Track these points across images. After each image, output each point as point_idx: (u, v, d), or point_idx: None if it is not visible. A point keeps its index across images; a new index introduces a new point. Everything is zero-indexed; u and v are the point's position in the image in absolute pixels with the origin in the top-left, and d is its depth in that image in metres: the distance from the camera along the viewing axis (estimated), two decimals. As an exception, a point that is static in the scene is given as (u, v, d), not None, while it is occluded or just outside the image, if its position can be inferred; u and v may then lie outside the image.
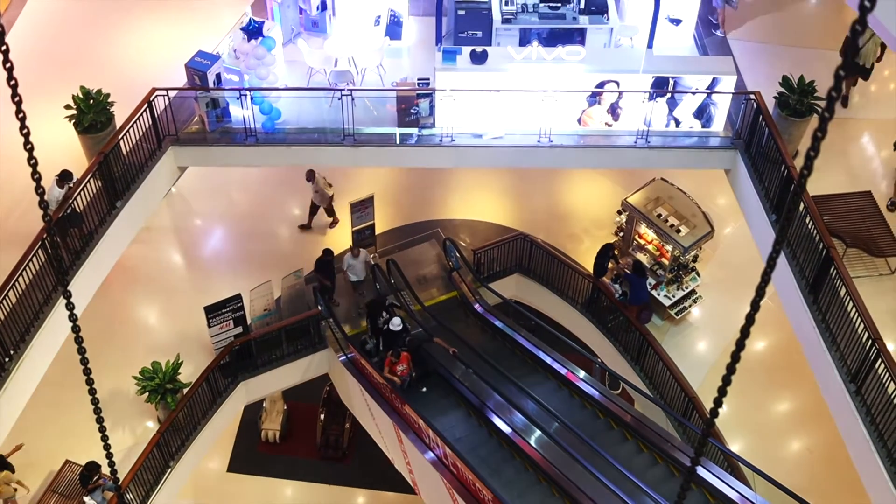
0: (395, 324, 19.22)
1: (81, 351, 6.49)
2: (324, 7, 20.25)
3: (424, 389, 19.59)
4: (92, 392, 6.65)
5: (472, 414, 19.01)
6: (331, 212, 23.11)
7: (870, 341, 13.79)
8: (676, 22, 20.16)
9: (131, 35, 21.46)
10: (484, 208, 24.22)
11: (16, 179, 17.05)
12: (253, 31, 18.65)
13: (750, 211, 17.90)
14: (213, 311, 19.55)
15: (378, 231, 22.60)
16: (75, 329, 6.38)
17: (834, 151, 18.78)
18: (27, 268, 14.86)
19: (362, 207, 21.69)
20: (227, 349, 19.50)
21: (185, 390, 18.66)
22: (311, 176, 22.03)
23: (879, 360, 13.66)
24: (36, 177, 5.68)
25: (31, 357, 15.06)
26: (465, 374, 19.48)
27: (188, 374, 19.05)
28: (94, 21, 21.78)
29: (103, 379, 19.23)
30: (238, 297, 19.89)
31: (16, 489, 17.93)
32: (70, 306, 6.30)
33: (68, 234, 15.96)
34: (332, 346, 20.59)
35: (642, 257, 21.31)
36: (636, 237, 21.35)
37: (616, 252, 21.23)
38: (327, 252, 20.95)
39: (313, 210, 22.98)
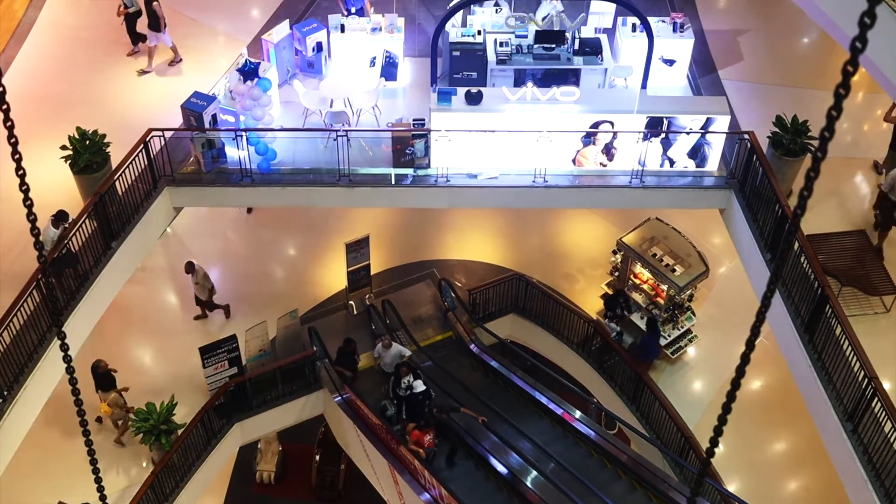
0: (419, 386, 18.60)
1: (76, 392, 6.47)
2: (319, 48, 20.38)
3: (454, 464, 18.60)
4: (86, 433, 6.63)
5: (469, 456, 18.89)
6: (211, 305, 21.84)
7: (866, 380, 13.76)
8: (670, 62, 20.33)
9: (128, 76, 21.55)
10: (479, 248, 24.24)
11: (12, 220, 17.05)
12: (249, 72, 18.74)
13: (745, 250, 17.93)
14: (208, 352, 19.50)
15: (373, 271, 22.58)
16: (69, 370, 6.37)
17: (828, 190, 18.84)
18: (22, 308, 14.82)
19: (357, 248, 21.68)
20: (221, 390, 19.41)
21: (180, 431, 18.55)
22: (189, 268, 20.97)
23: (876, 399, 13.63)
24: (31, 217, 5.69)
25: (25, 398, 14.97)
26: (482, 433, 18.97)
27: (183, 414, 18.94)
28: (91, 61, 21.88)
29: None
30: (233, 338, 19.84)
31: (128, 411, 18.98)
32: (64, 347, 6.29)
33: (63, 274, 15.93)
34: (328, 386, 20.50)
35: (637, 297, 21.31)
36: (631, 277, 21.36)
37: (625, 300, 21.22)
38: (349, 342, 20.21)
39: (198, 301, 21.76)
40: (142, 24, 21.59)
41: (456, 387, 19.99)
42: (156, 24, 21.08)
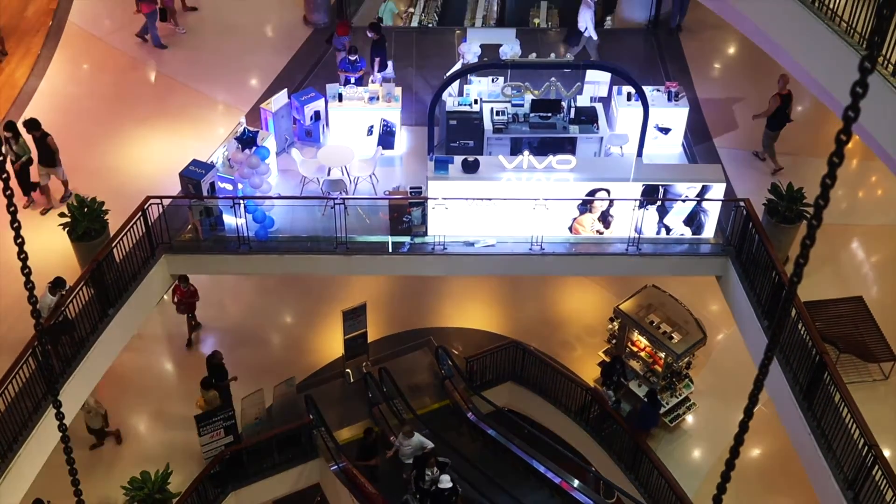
0: (445, 481, 18.29)
1: (70, 461, 6.43)
2: (317, 117, 20.54)
3: None
4: (80, 503, 6.57)
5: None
6: (101, 434, 20.33)
7: (866, 448, 13.68)
8: (665, 131, 20.50)
9: (128, 143, 21.70)
10: (476, 316, 24.22)
11: (9, 286, 17.04)
12: (247, 140, 18.87)
13: (742, 317, 17.92)
14: (203, 420, 19.38)
15: (370, 339, 22.53)
16: (64, 439, 6.33)
17: (824, 257, 18.90)
18: (17, 375, 14.76)
19: (354, 316, 21.67)
20: (217, 458, 19.27)
21: (175, 500, 18.37)
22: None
23: (876, 467, 13.54)
24: (29, 285, 5.70)
25: (19, 466, 14.84)
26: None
27: (178, 483, 18.77)
28: (90, 129, 22.03)
29: (91, 488, 19.01)
30: (229, 406, 19.74)
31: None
32: (59, 416, 6.26)
33: (60, 341, 15.89)
34: (324, 455, 20.35)
35: (635, 364, 21.26)
36: (629, 344, 21.33)
37: (622, 366, 21.17)
38: (369, 432, 20.07)
39: (90, 429, 20.21)
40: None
41: (454, 456, 19.84)
42: (51, 159, 19.64)
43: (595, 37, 23.29)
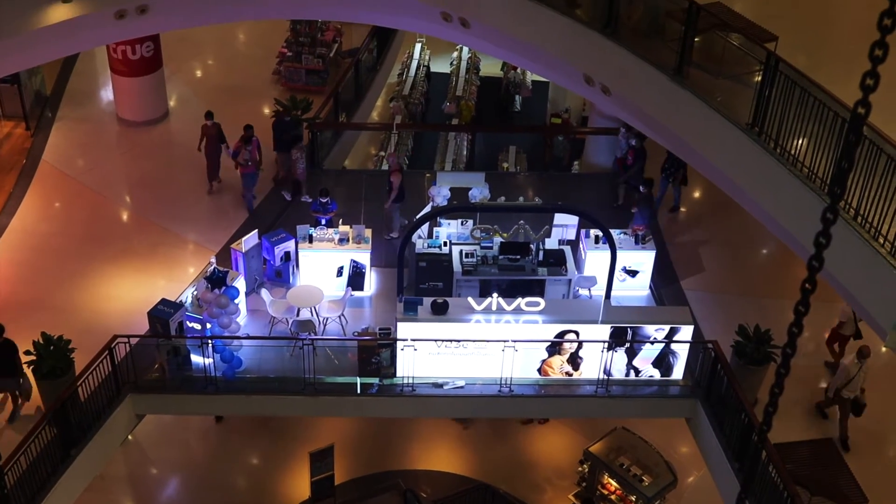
0: None
1: None
2: (287, 258, 20.65)
3: None
4: None
5: None
6: None
7: None
8: (633, 273, 20.74)
9: (97, 281, 21.68)
10: (445, 457, 23.92)
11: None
12: (217, 280, 18.90)
13: (712, 460, 17.84)
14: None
15: (337, 481, 22.16)
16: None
17: (792, 399, 18.94)
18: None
19: (322, 457, 21.34)
20: None
21: None
22: None
23: None
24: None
25: None
26: None
27: None
28: (59, 267, 22.02)
29: None
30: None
31: None
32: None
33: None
34: None
35: (606, 508, 21.02)
36: (599, 487, 21.10)
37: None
38: None
39: None
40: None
41: None
42: (10, 367, 17.98)
43: None
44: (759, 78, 14.07)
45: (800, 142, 13.31)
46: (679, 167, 23.09)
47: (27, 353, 17.61)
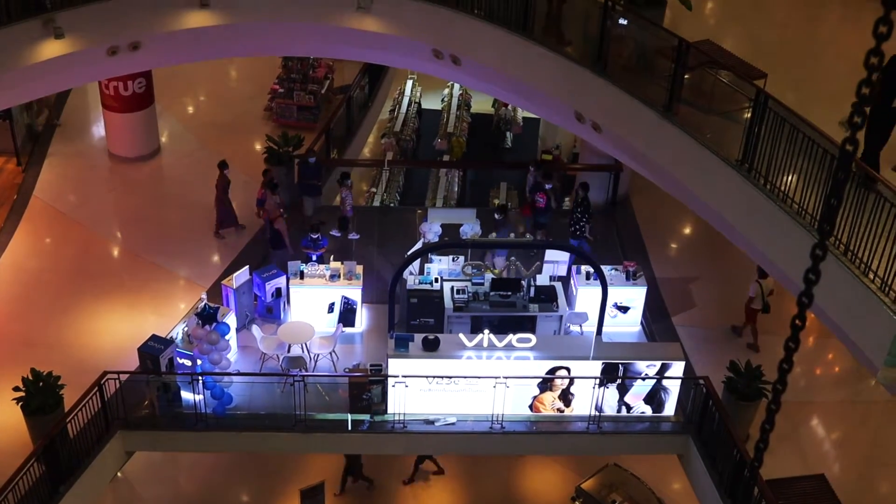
0: None
1: None
2: (278, 294, 20.62)
3: None
4: None
5: None
6: None
7: None
8: (624, 310, 20.75)
9: (87, 318, 21.61)
10: (435, 495, 23.74)
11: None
12: (207, 316, 18.85)
13: (704, 496, 17.76)
14: None
15: (328, 519, 22.04)
16: None
17: (784, 435, 18.90)
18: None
19: (312, 495, 21.18)
20: None
21: None
22: None
23: None
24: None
25: None
26: None
27: None
28: (50, 303, 21.95)
29: None
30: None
31: None
32: None
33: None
34: None
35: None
36: (591, 524, 21.00)
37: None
38: None
39: None
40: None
41: None
42: None
43: None
44: (749, 114, 14.18)
45: (789, 178, 13.38)
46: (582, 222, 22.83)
47: (16, 388, 17.51)
